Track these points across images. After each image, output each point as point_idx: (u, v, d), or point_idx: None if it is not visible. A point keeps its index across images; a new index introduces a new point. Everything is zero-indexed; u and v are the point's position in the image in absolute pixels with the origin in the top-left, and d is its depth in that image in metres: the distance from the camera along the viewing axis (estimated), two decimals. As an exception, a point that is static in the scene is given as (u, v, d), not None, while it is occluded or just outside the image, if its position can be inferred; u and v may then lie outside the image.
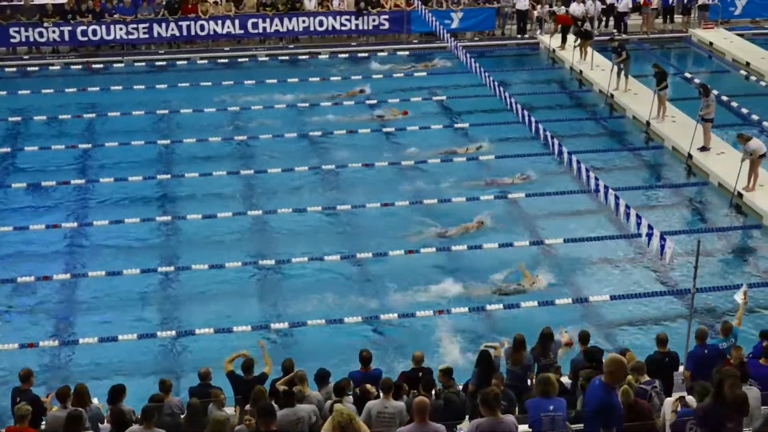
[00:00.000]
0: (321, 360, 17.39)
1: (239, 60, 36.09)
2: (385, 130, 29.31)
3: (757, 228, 23.08)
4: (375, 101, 31.57)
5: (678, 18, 39.48)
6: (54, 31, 35.77)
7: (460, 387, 14.49)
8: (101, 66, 35.48)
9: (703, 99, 25.96)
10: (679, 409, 12.00)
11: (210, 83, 33.18)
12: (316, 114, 30.75)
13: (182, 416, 13.68)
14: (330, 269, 21.46)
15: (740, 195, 23.94)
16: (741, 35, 37.65)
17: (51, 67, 35.36)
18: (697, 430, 11.31)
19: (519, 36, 38.14)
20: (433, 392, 14.16)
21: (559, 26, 36.60)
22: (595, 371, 13.85)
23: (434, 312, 19.49)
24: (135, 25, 36.06)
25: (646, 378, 13.41)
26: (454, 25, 37.38)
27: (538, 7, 38.49)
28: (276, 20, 36.70)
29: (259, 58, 36.14)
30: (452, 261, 21.81)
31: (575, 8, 36.98)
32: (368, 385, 14.11)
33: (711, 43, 37.05)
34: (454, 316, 19.44)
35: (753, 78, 33.52)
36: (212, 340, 18.75)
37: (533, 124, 24.41)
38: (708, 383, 12.23)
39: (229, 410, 14.15)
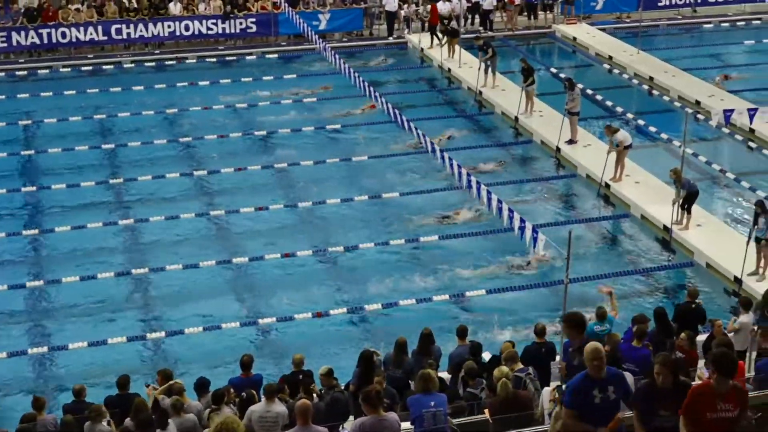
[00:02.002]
0: (201, 368, 17.21)
1: (104, 67, 35.31)
2: (256, 133, 29.06)
3: (625, 217, 23.66)
4: (245, 105, 31.29)
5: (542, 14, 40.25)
6: None
7: (343, 387, 14.44)
8: (-42, 77, 34.30)
9: (569, 93, 26.48)
10: (557, 397, 12.20)
11: (74, 92, 32.40)
12: (185, 119, 30.35)
13: (57, 434, 13.30)
14: (205, 275, 21.17)
15: (607, 186, 24.51)
16: (603, 30, 38.58)
17: None
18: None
19: (388, 36, 38.26)
20: (316, 394, 14.09)
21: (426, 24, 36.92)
22: (476, 365, 13.99)
23: (312, 315, 19.42)
24: (-8, 34, 34.98)
25: (520, 366, 13.62)
26: (322, 27, 37.30)
27: (405, 6, 38.71)
28: (140, 25, 36.01)
29: (125, 65, 35.42)
30: (331, 263, 21.77)
31: (441, 7, 37.27)
32: (253, 391, 13.99)
33: (575, 38, 37.88)
34: (333, 318, 19.42)
35: (616, 71, 34.37)
36: (86, 354, 18.32)
37: (405, 123, 24.53)
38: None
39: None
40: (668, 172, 22.09)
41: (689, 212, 21.82)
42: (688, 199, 21.65)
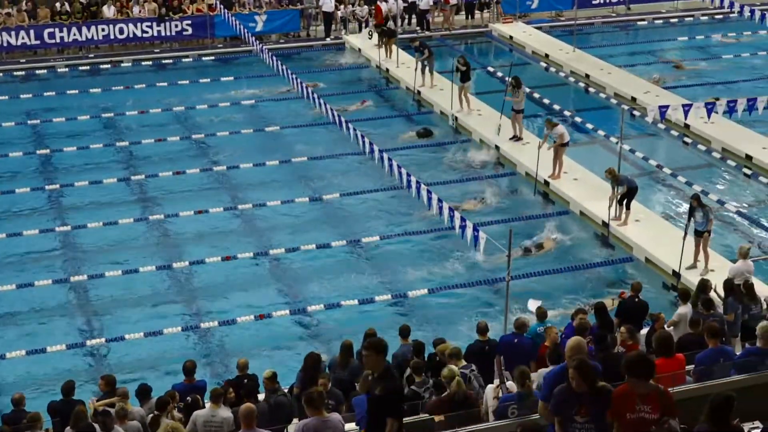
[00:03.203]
0: (142, 374, 17.06)
1: (37, 72, 34.79)
2: (194, 137, 28.85)
3: (565, 214, 23.82)
4: (182, 108, 31.06)
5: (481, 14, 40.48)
6: None
7: (286, 390, 14.37)
8: None
9: (515, 91, 26.52)
10: (500, 395, 12.24)
11: (7, 97, 31.91)
12: (122, 123, 30.03)
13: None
14: (145, 280, 20.94)
15: (546, 183, 24.69)
16: (539, 28, 38.88)
17: None
18: (518, 414, 11.57)
19: (325, 37, 38.18)
20: (262, 398, 14.00)
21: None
22: (422, 362, 13.99)
23: (255, 317, 19.32)
24: None
25: (464, 363, 13.64)
26: (259, 28, 37.09)
27: (342, 7, 38.69)
28: (74, 29, 35.52)
29: (58, 69, 34.92)
30: (274, 266, 21.66)
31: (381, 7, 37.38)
32: (198, 396, 13.87)
33: (511, 37, 38.11)
34: (276, 320, 19.33)
35: (552, 69, 34.64)
36: (24, 362, 18.03)
37: (344, 125, 24.50)
38: (526, 368, 12.52)
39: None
40: (603, 172, 22.31)
41: (628, 208, 22.04)
42: (627, 194, 21.86)
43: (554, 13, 40.66)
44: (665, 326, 15.53)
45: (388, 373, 9.82)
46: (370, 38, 35.63)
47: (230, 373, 16.22)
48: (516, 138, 26.97)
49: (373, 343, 9.93)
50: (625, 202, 22.00)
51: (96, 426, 12.47)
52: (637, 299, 16.57)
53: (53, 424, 13.81)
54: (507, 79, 27.29)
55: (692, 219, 19.74)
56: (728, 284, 16.74)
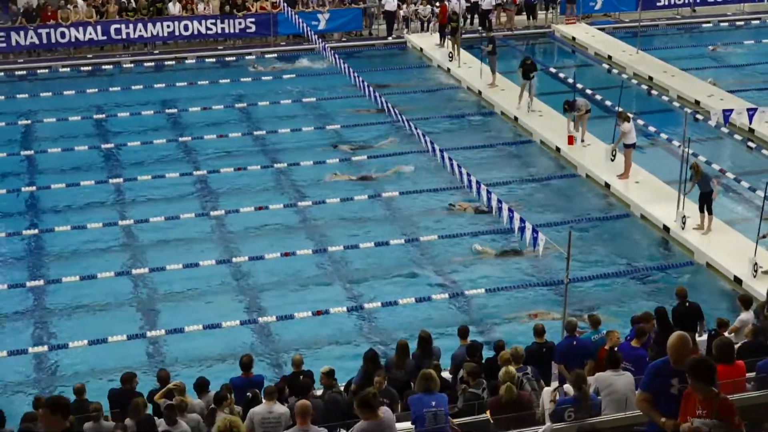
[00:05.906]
0: (200, 367, 17.25)
1: (103, 67, 35.29)
2: (255, 133, 29.08)
3: (625, 217, 23.62)
4: (245, 104, 31.33)
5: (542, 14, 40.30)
6: None
7: (342, 387, 14.44)
8: (-44, 77, 34.23)
9: (570, 114, 26.53)
10: (557, 398, 12.19)
11: (73, 91, 32.41)
12: (185, 119, 30.36)
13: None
14: (205, 274, 21.11)
15: (607, 186, 24.51)
16: (602, 29, 38.59)
17: None
18: (574, 417, 11.53)
19: (387, 36, 38.25)
20: (318, 394, 14.06)
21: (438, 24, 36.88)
22: (477, 365, 13.97)
23: (312, 313, 19.42)
24: (-8, 34, 34.91)
25: (520, 365, 13.59)
26: (322, 27, 37.27)
27: (404, 6, 38.73)
28: (139, 25, 35.96)
29: (124, 65, 35.39)
30: (332, 263, 21.76)
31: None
32: (257, 391, 13.99)
33: (574, 38, 37.86)
34: (333, 316, 19.42)
35: (615, 71, 34.36)
36: (86, 353, 18.32)
37: (406, 123, 24.52)
38: (582, 371, 12.47)
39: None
40: (687, 167, 21.87)
41: (710, 212, 21.64)
42: (701, 198, 21.51)
43: (609, 13, 40.32)
44: (726, 333, 15.36)
45: None
46: (450, 60, 35.13)
47: (288, 367, 16.32)
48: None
49: (50, 401, 8.57)
50: (705, 207, 21.61)
51: (158, 418, 12.66)
52: (687, 304, 16.33)
53: (111, 413, 14.03)
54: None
55: None
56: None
